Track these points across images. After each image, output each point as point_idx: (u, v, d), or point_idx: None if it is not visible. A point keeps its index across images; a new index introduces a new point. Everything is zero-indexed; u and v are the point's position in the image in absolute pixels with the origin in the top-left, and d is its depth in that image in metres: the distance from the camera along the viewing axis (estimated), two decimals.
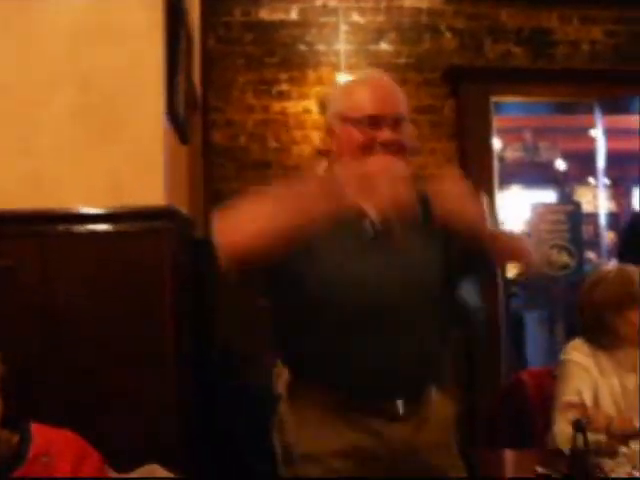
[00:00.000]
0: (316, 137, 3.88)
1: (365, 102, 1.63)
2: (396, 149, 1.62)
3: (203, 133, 3.62)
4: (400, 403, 1.61)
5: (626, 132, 4.97)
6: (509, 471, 2.11)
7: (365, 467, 1.58)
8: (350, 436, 1.58)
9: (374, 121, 1.61)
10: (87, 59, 2.11)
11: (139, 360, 2.07)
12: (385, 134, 1.61)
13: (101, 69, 2.11)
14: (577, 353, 2.24)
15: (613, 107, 4.81)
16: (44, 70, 2.11)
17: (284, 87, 3.92)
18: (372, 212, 1.61)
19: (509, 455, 2.20)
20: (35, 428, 1.38)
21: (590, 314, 2.27)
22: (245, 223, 1.42)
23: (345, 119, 1.64)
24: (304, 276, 1.55)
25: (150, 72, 2.13)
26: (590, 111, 5.00)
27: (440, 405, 1.71)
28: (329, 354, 1.60)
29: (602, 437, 1.85)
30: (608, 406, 2.16)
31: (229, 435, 2.96)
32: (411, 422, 1.62)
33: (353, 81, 1.78)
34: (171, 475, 1.62)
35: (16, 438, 1.34)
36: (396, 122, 1.63)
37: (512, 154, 7.30)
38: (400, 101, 1.67)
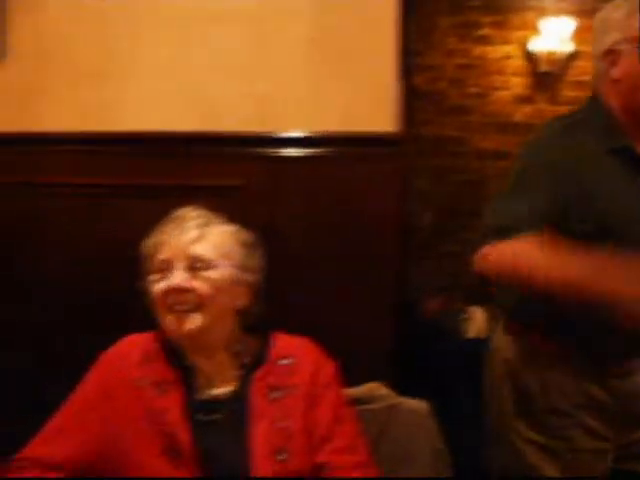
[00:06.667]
0: (516, 83, 3.82)
1: None
2: None
3: (405, 76, 3.65)
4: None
5: None
6: None
7: (595, 419, 1.57)
8: (589, 391, 1.56)
9: None
10: None
11: (359, 285, 2.12)
12: None
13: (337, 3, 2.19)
14: None
15: None
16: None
17: (486, 31, 3.87)
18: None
19: None
20: (275, 335, 1.43)
21: None
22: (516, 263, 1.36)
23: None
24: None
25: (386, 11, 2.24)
26: None
27: None
28: (584, 314, 1.46)
29: None
30: None
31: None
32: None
33: None
34: (394, 394, 1.69)
35: (258, 343, 1.39)
36: None
37: None
38: None
